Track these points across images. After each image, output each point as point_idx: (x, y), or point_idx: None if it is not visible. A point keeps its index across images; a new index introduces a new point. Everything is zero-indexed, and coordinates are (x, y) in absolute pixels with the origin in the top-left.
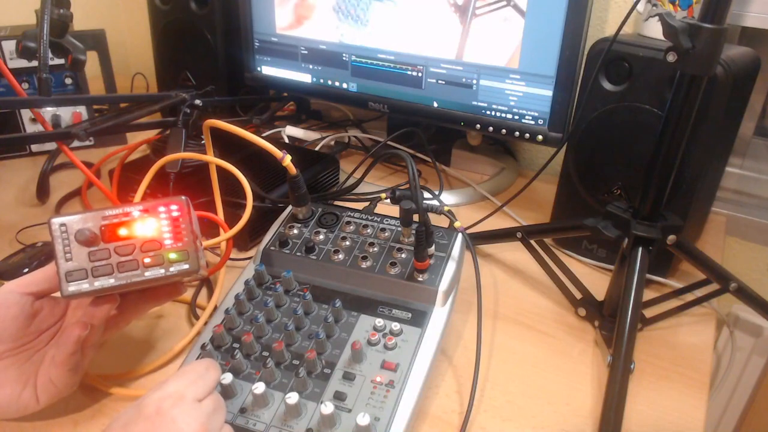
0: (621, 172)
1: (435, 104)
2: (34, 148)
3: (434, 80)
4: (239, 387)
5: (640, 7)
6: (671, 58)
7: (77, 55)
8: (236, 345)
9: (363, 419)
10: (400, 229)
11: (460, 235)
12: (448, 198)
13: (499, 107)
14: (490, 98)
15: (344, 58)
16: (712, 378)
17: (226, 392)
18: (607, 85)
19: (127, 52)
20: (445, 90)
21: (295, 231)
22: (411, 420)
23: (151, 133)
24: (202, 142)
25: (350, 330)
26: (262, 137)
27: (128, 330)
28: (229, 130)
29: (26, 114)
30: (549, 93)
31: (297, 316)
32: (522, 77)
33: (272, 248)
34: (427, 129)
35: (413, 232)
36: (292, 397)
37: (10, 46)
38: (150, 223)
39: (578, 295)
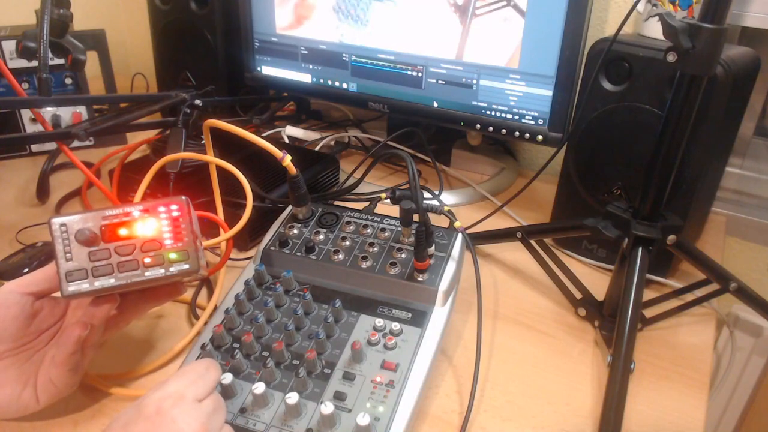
0: (621, 172)
1: (435, 104)
2: (34, 148)
3: (434, 80)
4: (239, 387)
5: (640, 7)
6: (671, 58)
7: (77, 55)
8: (236, 345)
9: (363, 419)
10: (400, 229)
11: (460, 235)
12: (448, 198)
13: (499, 107)
14: (490, 98)
15: (344, 58)
16: (712, 378)
17: (226, 392)
18: (607, 85)
19: (127, 52)
20: (445, 90)
21: (295, 231)
22: (411, 420)
23: (151, 133)
24: (202, 142)
25: (350, 330)
26: (262, 137)
27: (128, 330)
28: (229, 130)
29: (26, 114)
30: (549, 93)
31: (297, 316)
32: (522, 77)
33: (272, 248)
34: (427, 129)
35: (413, 232)
36: (292, 397)
37: (10, 46)
38: (150, 223)
39: (578, 295)
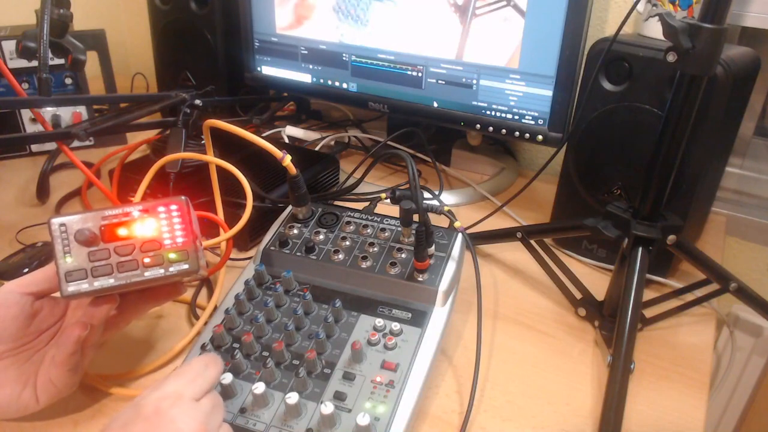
0: (621, 172)
1: (435, 104)
2: (34, 148)
3: (434, 80)
4: (239, 387)
5: (640, 7)
6: (671, 58)
7: (77, 55)
8: (236, 345)
9: (363, 419)
10: (400, 229)
11: (460, 235)
12: (448, 198)
13: (499, 107)
14: (490, 98)
15: (344, 58)
16: (712, 378)
17: (226, 392)
18: (607, 85)
19: (127, 52)
20: (445, 90)
21: (295, 231)
22: (411, 420)
23: (151, 133)
24: (202, 142)
25: (350, 330)
26: (262, 137)
27: (128, 330)
28: (229, 130)
29: (26, 114)
30: (549, 93)
31: (297, 316)
32: (522, 77)
33: (272, 248)
34: (427, 129)
35: (413, 232)
36: (292, 397)
37: (10, 46)
38: (150, 223)
39: (578, 295)
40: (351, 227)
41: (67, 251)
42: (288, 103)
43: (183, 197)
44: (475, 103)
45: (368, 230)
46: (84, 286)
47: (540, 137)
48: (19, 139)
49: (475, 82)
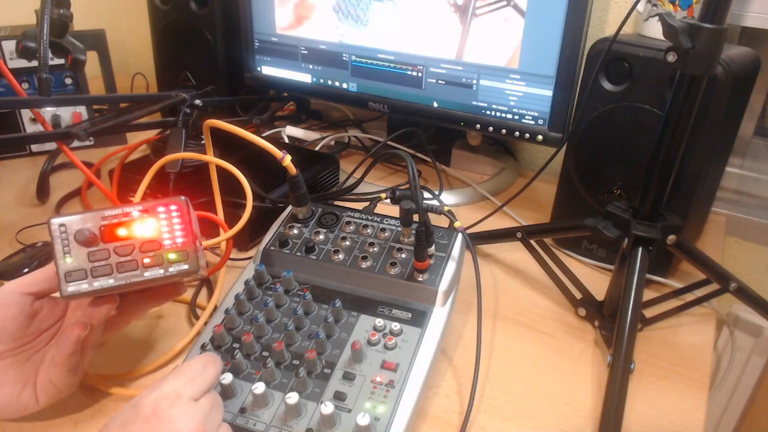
0: (621, 172)
1: (435, 104)
2: (34, 148)
3: (434, 80)
4: (239, 387)
5: (640, 7)
6: (671, 58)
7: (77, 55)
8: (236, 345)
9: (363, 419)
10: (400, 229)
11: (460, 235)
12: (448, 198)
13: (499, 107)
14: (490, 98)
15: (344, 58)
16: (712, 378)
17: (226, 392)
18: (607, 85)
19: (127, 52)
20: (445, 90)
21: (295, 231)
22: (411, 420)
23: (151, 133)
24: (202, 142)
25: (350, 330)
26: (262, 137)
27: (128, 330)
28: (229, 130)
29: (26, 114)
30: (549, 93)
31: (297, 316)
32: (522, 77)
33: (272, 248)
34: (427, 129)
35: (413, 232)
36: (292, 397)
37: (10, 46)
38: (149, 224)
39: (578, 295)
40: (351, 227)
41: (66, 251)
42: (288, 103)
43: (183, 197)
44: (475, 103)
45: (368, 230)
46: (84, 286)
47: (540, 137)
48: (19, 139)
49: (475, 82)
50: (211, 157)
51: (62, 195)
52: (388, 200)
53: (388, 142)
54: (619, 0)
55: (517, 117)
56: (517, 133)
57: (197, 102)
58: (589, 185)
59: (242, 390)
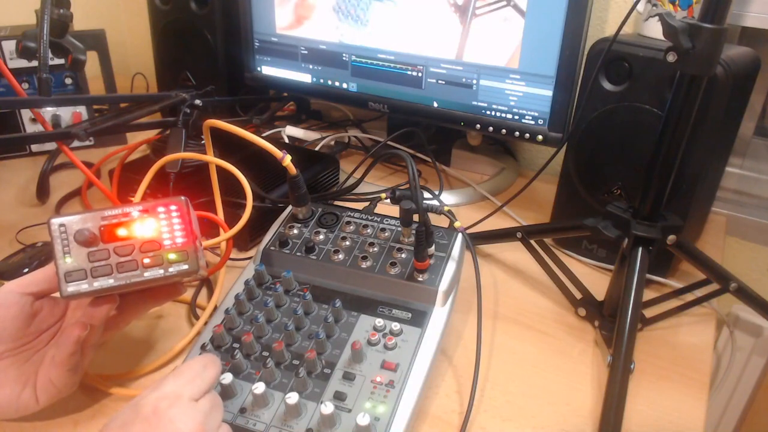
0: (621, 172)
1: (435, 104)
2: (34, 148)
3: (434, 80)
4: (239, 387)
5: (640, 7)
6: (671, 58)
7: (77, 55)
8: (236, 345)
9: (363, 419)
10: (400, 229)
11: (460, 235)
12: (448, 198)
13: (499, 107)
14: (490, 98)
15: (344, 58)
16: (712, 378)
17: (226, 392)
18: (607, 85)
19: (127, 52)
20: (445, 90)
21: (295, 231)
22: (411, 420)
23: (151, 133)
24: (202, 142)
25: (350, 330)
26: (262, 137)
27: (128, 330)
28: (229, 130)
29: (26, 114)
30: (549, 93)
31: (297, 316)
32: (522, 77)
33: (272, 248)
34: (427, 129)
35: (413, 232)
36: (292, 397)
37: (10, 46)
38: (149, 224)
39: (578, 295)
40: (351, 227)
41: (66, 251)
42: (288, 103)
43: (183, 197)
44: (475, 103)
45: (368, 230)
46: (84, 286)
47: (540, 137)
48: (19, 139)
49: (475, 82)
50: (211, 157)
51: (62, 195)
52: (388, 200)
53: (388, 142)
54: (619, 0)
55: (517, 117)
56: (517, 133)
57: (197, 102)
58: (589, 185)
59: (242, 390)
